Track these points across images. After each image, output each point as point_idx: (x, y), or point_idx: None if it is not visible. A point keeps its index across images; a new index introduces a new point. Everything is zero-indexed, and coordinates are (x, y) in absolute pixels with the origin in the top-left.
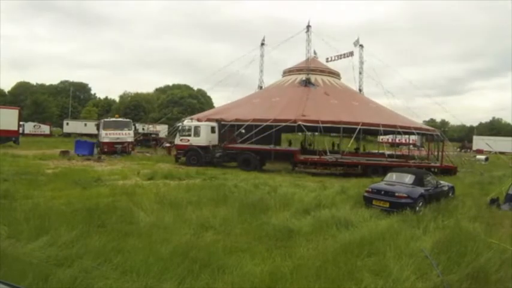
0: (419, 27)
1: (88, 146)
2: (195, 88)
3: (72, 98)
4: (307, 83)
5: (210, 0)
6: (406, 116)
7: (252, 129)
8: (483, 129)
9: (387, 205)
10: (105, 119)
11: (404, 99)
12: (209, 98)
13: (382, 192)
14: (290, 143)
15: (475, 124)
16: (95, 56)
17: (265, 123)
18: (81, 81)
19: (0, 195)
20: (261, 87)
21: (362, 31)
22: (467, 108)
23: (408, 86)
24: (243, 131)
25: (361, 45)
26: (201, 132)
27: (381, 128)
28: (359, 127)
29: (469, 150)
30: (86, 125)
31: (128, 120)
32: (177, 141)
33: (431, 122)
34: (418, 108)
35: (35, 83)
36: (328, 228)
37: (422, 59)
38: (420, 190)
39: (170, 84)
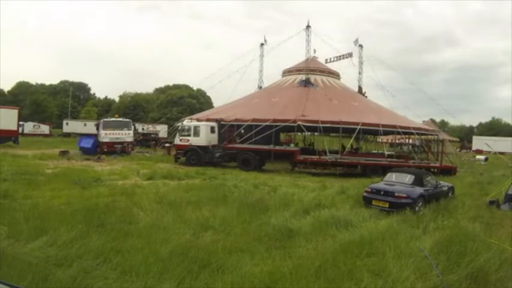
0: None
1: (92, 139)
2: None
3: (71, 98)
4: (306, 83)
5: None
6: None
7: (251, 129)
8: (483, 129)
9: (387, 205)
10: (105, 119)
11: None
12: (209, 98)
13: (382, 192)
14: (291, 141)
15: (475, 124)
16: None
17: (264, 123)
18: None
19: (0, 195)
20: (260, 87)
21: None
22: None
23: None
24: (243, 131)
25: (361, 45)
26: (201, 132)
27: (381, 128)
28: (359, 127)
29: (468, 151)
30: (85, 125)
31: (127, 120)
32: (177, 141)
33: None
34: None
35: (34, 83)
36: (328, 228)
37: None
38: (420, 190)
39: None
